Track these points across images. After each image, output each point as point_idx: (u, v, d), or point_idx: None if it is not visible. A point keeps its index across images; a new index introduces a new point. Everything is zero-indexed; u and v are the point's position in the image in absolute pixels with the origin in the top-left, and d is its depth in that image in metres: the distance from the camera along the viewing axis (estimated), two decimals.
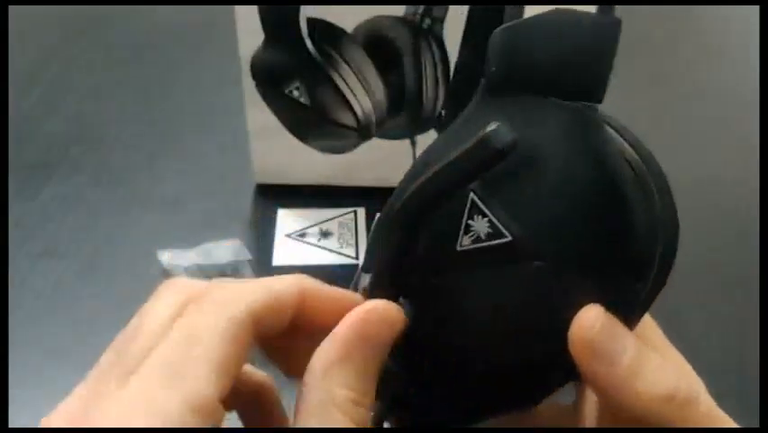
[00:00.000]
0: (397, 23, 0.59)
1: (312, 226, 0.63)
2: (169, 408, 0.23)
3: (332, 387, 0.26)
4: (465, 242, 0.26)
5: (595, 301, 0.25)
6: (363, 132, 0.61)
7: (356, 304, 0.27)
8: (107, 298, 0.57)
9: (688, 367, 0.29)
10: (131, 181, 0.67)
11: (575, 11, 0.24)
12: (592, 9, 0.26)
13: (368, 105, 0.60)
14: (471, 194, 0.25)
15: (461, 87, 0.39)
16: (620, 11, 0.27)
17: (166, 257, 0.58)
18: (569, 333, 0.25)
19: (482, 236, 0.26)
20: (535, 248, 0.25)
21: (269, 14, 0.58)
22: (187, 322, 0.26)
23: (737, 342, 0.55)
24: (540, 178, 0.25)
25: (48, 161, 0.69)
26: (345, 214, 0.64)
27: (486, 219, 0.25)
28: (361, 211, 0.64)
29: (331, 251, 0.61)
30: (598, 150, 0.25)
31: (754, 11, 0.88)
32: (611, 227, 0.25)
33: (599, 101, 0.25)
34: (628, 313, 0.26)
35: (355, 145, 0.63)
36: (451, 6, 0.58)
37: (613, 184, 0.25)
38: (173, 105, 0.76)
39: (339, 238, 0.62)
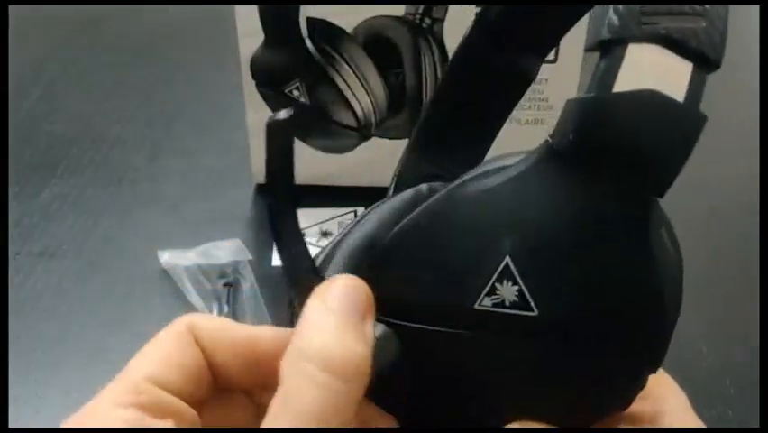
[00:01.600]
0: (397, 22, 0.59)
1: (312, 226, 0.63)
2: None
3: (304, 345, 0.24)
4: (485, 302, 0.25)
5: (597, 387, 0.26)
6: (363, 132, 0.61)
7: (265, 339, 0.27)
8: (107, 298, 0.57)
9: (673, 386, 0.30)
10: (131, 181, 0.67)
11: (667, 96, 0.22)
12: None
13: (368, 104, 0.60)
14: (508, 258, 0.25)
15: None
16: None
17: (166, 257, 0.58)
18: None
19: (506, 303, 0.25)
20: (560, 331, 0.25)
21: (269, 14, 0.58)
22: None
23: (738, 343, 0.55)
24: (587, 264, 0.24)
25: (48, 161, 0.69)
26: (345, 214, 0.64)
27: (516, 287, 0.25)
28: (361, 211, 0.64)
29: None
30: (654, 255, 0.24)
31: (754, 11, 0.88)
32: (644, 330, 0.25)
33: (662, 196, 0.24)
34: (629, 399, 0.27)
35: (355, 145, 0.63)
36: (451, 6, 0.58)
37: (659, 294, 0.25)
38: (173, 105, 0.76)
39: None
